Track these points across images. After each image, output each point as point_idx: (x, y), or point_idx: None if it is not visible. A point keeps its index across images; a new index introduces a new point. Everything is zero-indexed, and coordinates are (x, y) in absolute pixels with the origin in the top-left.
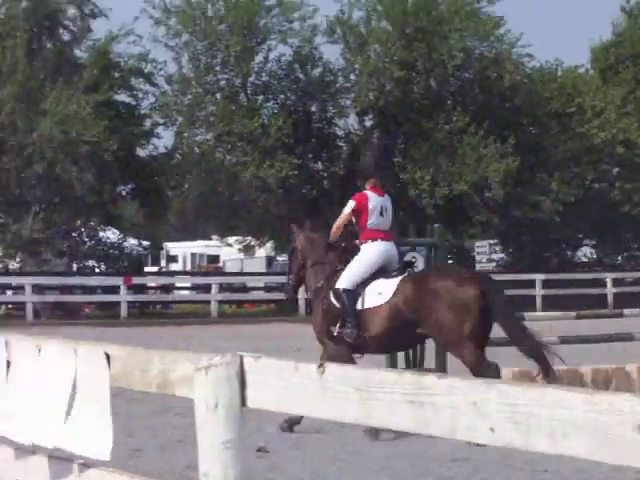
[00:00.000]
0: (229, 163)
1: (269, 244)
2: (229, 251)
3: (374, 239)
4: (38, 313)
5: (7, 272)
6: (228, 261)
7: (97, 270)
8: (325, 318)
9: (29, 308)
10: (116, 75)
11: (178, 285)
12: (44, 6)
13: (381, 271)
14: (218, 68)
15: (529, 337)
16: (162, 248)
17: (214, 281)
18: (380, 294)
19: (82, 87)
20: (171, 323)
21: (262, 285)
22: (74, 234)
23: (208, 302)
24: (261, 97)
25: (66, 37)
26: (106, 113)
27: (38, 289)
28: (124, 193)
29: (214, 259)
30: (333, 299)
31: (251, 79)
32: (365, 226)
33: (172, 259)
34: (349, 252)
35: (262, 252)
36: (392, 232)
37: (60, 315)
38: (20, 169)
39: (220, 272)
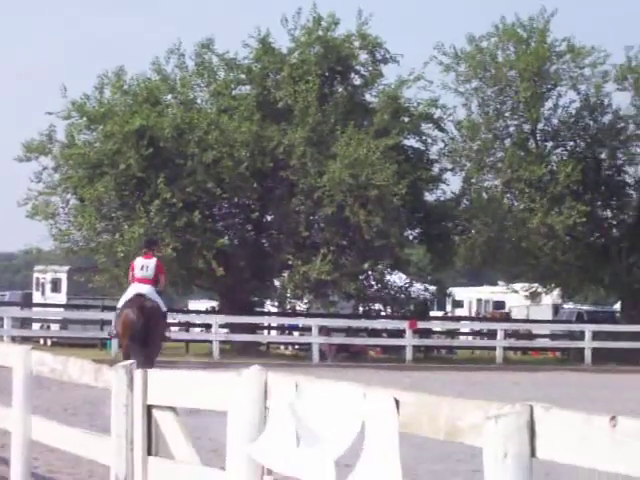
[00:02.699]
0: (516, 209)
1: (556, 292)
2: (515, 298)
3: (133, 282)
4: (324, 354)
5: (295, 313)
6: (514, 308)
7: (383, 313)
8: None
9: (315, 349)
10: (406, 120)
11: (463, 330)
12: (336, 51)
13: None
14: (507, 114)
15: (143, 354)
16: (449, 294)
17: (500, 327)
18: None
19: (372, 131)
20: (455, 368)
21: (548, 332)
22: (361, 277)
23: (493, 348)
24: (550, 143)
25: (357, 82)
26: (395, 157)
27: (324, 331)
28: (411, 237)
29: (500, 305)
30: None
31: (540, 125)
32: (134, 275)
33: (457, 304)
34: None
35: (549, 299)
36: (151, 279)
37: (345, 357)
38: (309, 211)
39: (507, 318)
